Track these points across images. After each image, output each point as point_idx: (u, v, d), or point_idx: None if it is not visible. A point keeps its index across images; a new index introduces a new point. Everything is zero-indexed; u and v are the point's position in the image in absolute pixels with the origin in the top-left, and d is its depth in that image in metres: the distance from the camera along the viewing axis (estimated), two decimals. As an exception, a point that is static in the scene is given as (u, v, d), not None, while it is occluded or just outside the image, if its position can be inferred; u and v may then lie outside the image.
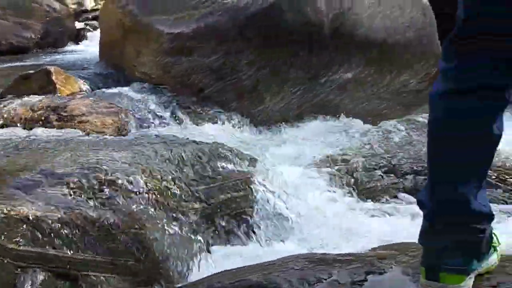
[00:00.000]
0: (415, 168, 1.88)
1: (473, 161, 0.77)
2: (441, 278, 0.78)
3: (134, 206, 1.28)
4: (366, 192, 1.83)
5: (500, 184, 1.80)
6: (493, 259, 0.86)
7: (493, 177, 1.84)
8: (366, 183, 1.86)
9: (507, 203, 1.73)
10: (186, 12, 2.51)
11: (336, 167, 1.93)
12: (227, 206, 1.49)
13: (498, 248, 0.88)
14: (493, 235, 0.89)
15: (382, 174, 1.86)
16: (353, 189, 1.85)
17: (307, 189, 1.73)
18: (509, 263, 0.86)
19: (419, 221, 0.92)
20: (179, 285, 1.16)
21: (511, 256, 0.91)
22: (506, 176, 1.87)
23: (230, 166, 1.65)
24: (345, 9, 2.57)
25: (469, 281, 0.80)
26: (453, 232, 0.78)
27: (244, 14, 2.43)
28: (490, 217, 0.80)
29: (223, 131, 2.37)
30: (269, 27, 2.47)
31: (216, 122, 2.42)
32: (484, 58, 0.72)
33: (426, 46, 2.72)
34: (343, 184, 1.85)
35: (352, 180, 1.87)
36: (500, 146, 2.40)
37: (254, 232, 1.44)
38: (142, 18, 2.59)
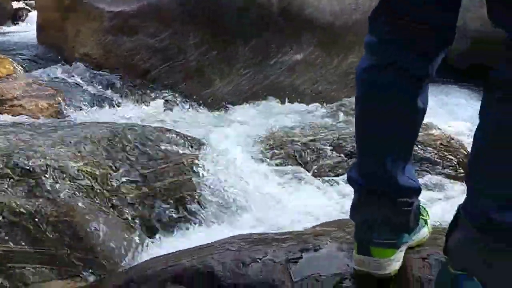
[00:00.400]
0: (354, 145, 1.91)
1: (398, 135, 0.77)
2: (372, 252, 0.78)
3: (65, 193, 1.20)
4: (313, 171, 1.84)
5: (439, 160, 1.86)
6: (424, 232, 0.88)
7: (433, 153, 1.90)
8: (313, 163, 1.87)
9: (444, 180, 1.79)
10: (128, -10, 2.39)
11: (284, 148, 1.92)
12: (170, 190, 1.45)
13: (428, 221, 0.90)
14: (423, 208, 0.90)
15: (328, 153, 1.87)
16: (301, 168, 1.85)
17: (253, 170, 1.71)
18: (440, 235, 0.88)
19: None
20: (109, 275, 1.11)
21: (441, 229, 0.92)
22: (446, 153, 1.94)
23: (174, 149, 1.60)
24: (292, -10, 2.54)
25: (400, 254, 0.81)
26: (381, 206, 0.78)
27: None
28: (417, 190, 0.81)
29: (170, 114, 2.30)
30: (215, 7, 2.40)
31: (163, 105, 2.34)
32: (404, 32, 0.72)
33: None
34: (290, 164, 1.85)
35: (300, 160, 1.88)
36: (443, 124, 2.46)
37: (197, 216, 1.40)
38: (80, -4, 2.44)
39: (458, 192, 1.72)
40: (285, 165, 1.78)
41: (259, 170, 1.70)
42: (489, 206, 0.64)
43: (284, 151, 1.89)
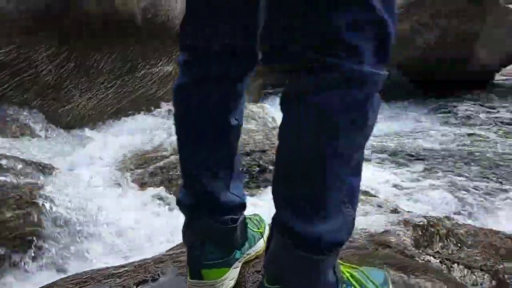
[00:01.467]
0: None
1: (213, 153, 0.74)
2: (204, 274, 0.75)
3: None
4: (169, 188, 1.76)
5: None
6: (260, 244, 0.87)
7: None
8: (167, 180, 1.80)
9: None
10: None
11: (145, 167, 1.82)
12: (6, 227, 1.26)
13: (264, 234, 0.89)
14: (258, 220, 0.89)
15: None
16: (161, 188, 1.76)
17: (107, 194, 1.58)
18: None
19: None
20: None
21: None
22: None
23: (13, 180, 1.40)
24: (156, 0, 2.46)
25: (234, 271, 0.79)
26: (205, 226, 0.75)
27: (39, 2, 2.11)
28: (242, 206, 0.79)
29: (19, 136, 2.04)
30: (69, 17, 2.20)
31: (11, 127, 2.07)
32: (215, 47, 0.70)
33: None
34: (151, 184, 1.76)
35: (159, 178, 1.79)
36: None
37: (40, 254, 1.24)
38: None
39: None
40: (144, 186, 1.68)
41: (114, 194, 1.58)
42: (288, 216, 0.64)
43: (144, 171, 1.79)
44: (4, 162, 1.46)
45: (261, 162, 1.85)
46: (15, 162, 1.49)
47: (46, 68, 2.25)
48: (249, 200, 0.87)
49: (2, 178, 1.37)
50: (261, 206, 1.52)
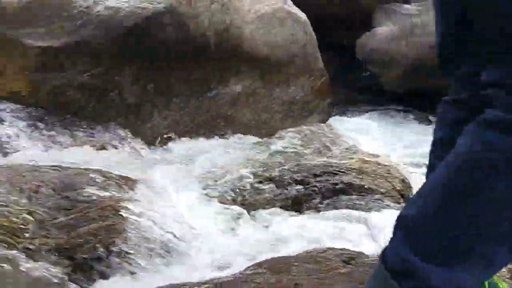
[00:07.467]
0: (297, 178, 1.90)
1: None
2: None
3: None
4: (252, 206, 1.80)
5: (374, 187, 1.87)
6: None
7: (369, 180, 1.91)
8: (252, 198, 1.83)
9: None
10: (57, 24, 2.30)
11: (224, 185, 1.88)
12: (92, 237, 1.35)
13: None
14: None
15: (264, 186, 1.85)
16: (241, 205, 1.80)
17: (191, 210, 1.65)
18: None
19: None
20: None
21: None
22: (381, 180, 1.95)
23: (98, 192, 1.50)
24: (227, 24, 2.56)
25: None
26: None
27: (120, 28, 2.29)
28: None
29: (104, 152, 2.19)
30: (148, 41, 2.36)
31: (96, 143, 2.23)
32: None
33: (308, 60, 2.82)
34: (231, 201, 1.80)
35: (240, 196, 1.83)
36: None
37: (123, 265, 1.31)
38: (5, 31, 2.33)
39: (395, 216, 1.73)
40: (225, 204, 1.73)
41: (197, 209, 1.64)
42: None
43: (224, 189, 1.85)
44: (91, 175, 1.57)
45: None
46: (99, 175, 1.60)
47: (129, 90, 2.42)
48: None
49: (89, 190, 1.48)
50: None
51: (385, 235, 1.59)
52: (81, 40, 2.27)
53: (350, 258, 1.13)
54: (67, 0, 2.35)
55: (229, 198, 1.83)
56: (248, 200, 1.83)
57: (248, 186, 1.90)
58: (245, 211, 1.73)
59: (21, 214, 1.29)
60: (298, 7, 2.87)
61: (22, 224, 1.27)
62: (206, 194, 1.82)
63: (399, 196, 1.87)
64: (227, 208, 1.76)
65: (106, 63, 2.33)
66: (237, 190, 1.87)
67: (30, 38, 2.33)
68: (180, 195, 1.76)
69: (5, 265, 1.18)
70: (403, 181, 1.95)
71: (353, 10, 3.94)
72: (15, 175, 1.50)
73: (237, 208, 1.75)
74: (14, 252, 1.21)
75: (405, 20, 3.69)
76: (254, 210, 1.79)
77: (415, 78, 3.61)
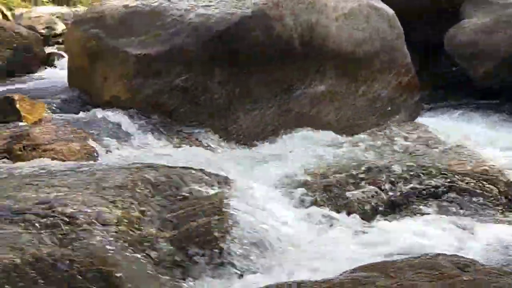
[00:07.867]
0: (392, 179, 1.85)
1: None
2: None
3: (96, 241, 1.20)
4: (342, 208, 1.78)
5: (477, 191, 1.77)
6: None
7: (471, 183, 1.81)
8: (346, 200, 1.80)
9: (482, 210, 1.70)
10: (152, 33, 2.46)
11: (312, 183, 1.88)
12: (202, 232, 1.42)
13: None
14: None
15: (357, 187, 1.82)
16: (333, 209, 1.77)
17: (283, 210, 1.67)
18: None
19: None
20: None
21: (489, 268, 0.85)
22: (485, 183, 1.84)
23: (202, 189, 1.58)
24: (313, 23, 2.56)
25: None
26: None
27: (210, 34, 2.39)
28: None
29: (197, 152, 2.30)
30: (237, 46, 2.44)
31: (189, 144, 2.35)
32: None
33: (395, 56, 2.73)
34: (325, 203, 1.79)
35: (332, 198, 1.81)
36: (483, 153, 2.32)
37: (231, 260, 1.36)
38: (107, 41, 2.53)
39: (502, 222, 1.63)
40: (318, 206, 1.72)
41: (292, 210, 1.66)
42: None
43: (311, 188, 1.84)
44: (194, 173, 1.66)
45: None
46: (202, 174, 1.68)
47: (217, 93, 2.52)
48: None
49: (196, 187, 1.56)
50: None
51: (491, 241, 1.51)
52: (175, 47, 2.41)
53: (465, 265, 1.07)
54: (161, 8, 2.51)
55: (322, 200, 1.81)
56: (341, 202, 1.80)
57: (338, 187, 1.88)
58: (339, 214, 1.71)
59: (136, 209, 1.39)
60: (383, 1, 2.80)
61: (137, 218, 1.37)
62: (300, 195, 1.82)
63: (505, 200, 1.75)
64: (321, 210, 1.74)
65: (197, 69, 2.44)
66: (329, 191, 1.85)
67: (128, 47, 2.51)
68: (274, 196, 1.78)
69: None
70: (509, 183, 1.82)
71: (439, 2, 3.76)
72: (125, 174, 1.62)
73: (331, 212, 1.72)
74: (129, 244, 1.31)
75: (499, 11, 3.44)
76: (344, 211, 1.76)
77: (509, 71, 3.36)
